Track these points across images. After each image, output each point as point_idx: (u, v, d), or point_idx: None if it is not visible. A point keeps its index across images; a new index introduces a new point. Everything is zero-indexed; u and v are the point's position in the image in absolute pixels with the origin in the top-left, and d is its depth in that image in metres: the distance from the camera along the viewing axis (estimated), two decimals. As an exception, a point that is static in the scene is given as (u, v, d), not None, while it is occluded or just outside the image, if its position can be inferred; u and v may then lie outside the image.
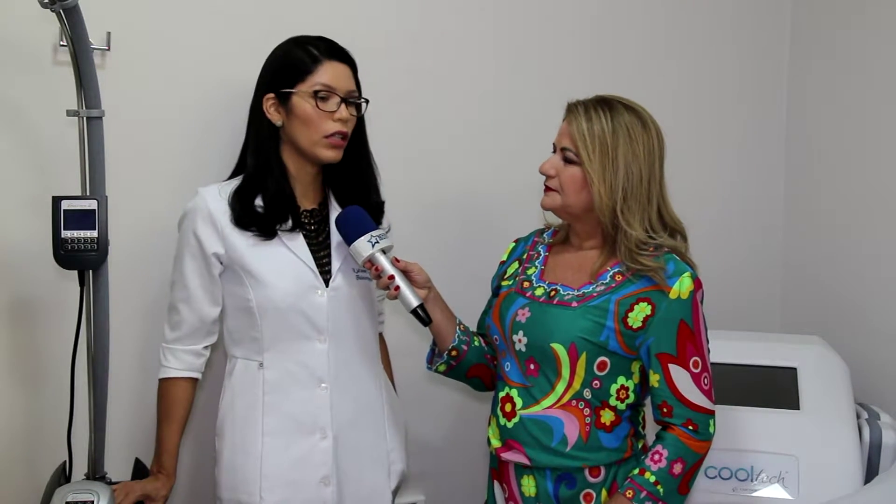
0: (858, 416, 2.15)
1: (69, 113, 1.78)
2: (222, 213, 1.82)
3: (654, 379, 1.75)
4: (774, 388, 2.19)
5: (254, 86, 1.91)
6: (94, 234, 1.75)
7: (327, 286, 1.86)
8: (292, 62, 1.82)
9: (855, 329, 2.43)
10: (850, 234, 2.49)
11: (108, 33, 2.01)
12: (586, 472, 1.78)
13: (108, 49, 2.01)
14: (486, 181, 2.45)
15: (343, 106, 1.82)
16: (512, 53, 2.45)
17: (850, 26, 2.51)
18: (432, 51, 2.36)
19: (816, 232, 2.64)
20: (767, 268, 2.78)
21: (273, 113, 1.83)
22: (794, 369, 2.21)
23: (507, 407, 1.80)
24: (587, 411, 1.76)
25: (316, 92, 1.80)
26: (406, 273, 1.82)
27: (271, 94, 1.83)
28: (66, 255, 1.74)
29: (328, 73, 1.81)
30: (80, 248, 1.74)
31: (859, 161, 2.47)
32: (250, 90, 1.96)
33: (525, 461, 1.78)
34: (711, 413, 1.76)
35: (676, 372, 1.73)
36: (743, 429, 2.01)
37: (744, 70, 2.71)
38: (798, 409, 2.14)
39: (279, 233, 1.83)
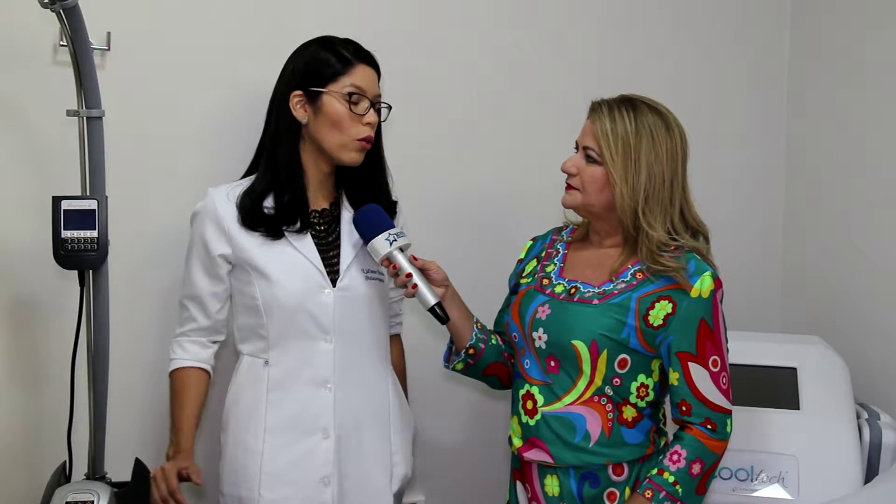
0: (858, 416, 2.15)
1: (69, 113, 1.78)
2: (230, 214, 1.83)
3: (674, 377, 1.75)
4: (774, 388, 2.19)
5: (255, 85, 1.92)
6: (94, 234, 1.75)
7: (335, 286, 1.86)
8: (324, 62, 1.82)
9: (855, 329, 2.43)
10: (850, 235, 2.49)
11: (108, 33, 2.01)
12: (609, 469, 1.78)
13: (108, 49, 2.01)
14: (498, 180, 2.45)
15: (371, 110, 1.83)
16: (516, 53, 2.45)
17: (850, 26, 2.50)
18: (438, 52, 2.36)
19: (816, 232, 2.64)
20: (767, 268, 2.78)
21: (299, 110, 1.83)
22: (794, 369, 2.21)
23: (529, 404, 1.80)
24: (609, 407, 1.76)
25: (350, 94, 1.81)
26: (424, 271, 1.82)
27: (299, 92, 1.83)
28: (66, 255, 1.74)
29: (359, 76, 1.83)
30: (80, 248, 1.74)
31: (859, 161, 2.46)
32: (250, 90, 1.97)
33: (548, 460, 1.78)
34: (729, 412, 1.77)
35: (696, 370, 1.73)
36: (743, 429, 2.01)
37: (744, 70, 2.71)
38: (798, 409, 2.14)
39: (286, 233, 1.84)
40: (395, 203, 1.98)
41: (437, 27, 2.37)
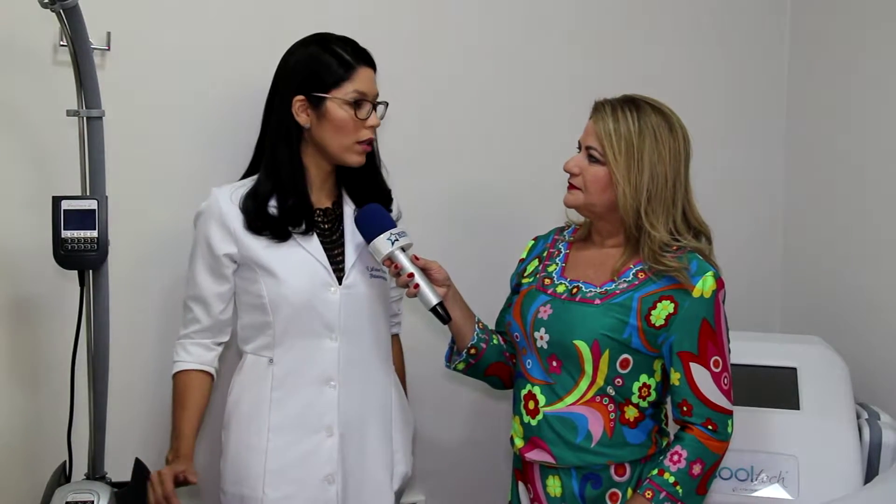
0: (858, 416, 2.15)
1: (69, 113, 1.78)
2: (234, 215, 1.83)
3: (675, 377, 1.75)
4: (774, 388, 2.19)
5: (255, 85, 1.92)
6: (94, 234, 1.75)
7: (340, 284, 1.86)
8: (325, 67, 1.82)
9: (855, 329, 2.43)
10: (850, 235, 2.49)
11: (108, 33, 2.01)
12: (612, 470, 1.78)
13: (108, 49, 2.01)
14: (500, 180, 2.45)
15: (373, 113, 1.84)
16: (518, 53, 2.45)
17: (850, 26, 2.50)
18: (439, 51, 2.36)
19: (816, 232, 2.64)
20: (767, 268, 2.78)
21: (301, 115, 1.83)
22: (794, 369, 2.20)
23: (531, 404, 1.80)
24: (611, 407, 1.76)
25: (355, 101, 1.81)
26: (425, 271, 1.82)
27: (301, 97, 1.82)
28: (66, 255, 1.74)
29: (361, 80, 1.83)
30: (80, 248, 1.74)
31: (859, 161, 2.46)
32: (250, 90, 1.96)
33: (550, 460, 1.78)
34: (730, 413, 1.77)
35: (697, 371, 1.73)
36: (743, 429, 2.01)
37: (744, 70, 2.71)
38: (798, 409, 2.14)
39: (293, 234, 1.84)
40: (389, 191, 1.99)
41: (438, 27, 2.37)
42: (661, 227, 1.74)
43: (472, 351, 1.89)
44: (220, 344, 1.92)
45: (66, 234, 1.74)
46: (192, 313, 1.88)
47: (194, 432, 1.86)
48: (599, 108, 1.79)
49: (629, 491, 1.78)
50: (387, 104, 1.89)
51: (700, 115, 2.45)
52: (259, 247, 1.83)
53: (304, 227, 1.85)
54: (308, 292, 1.83)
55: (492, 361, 1.92)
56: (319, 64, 1.82)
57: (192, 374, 1.88)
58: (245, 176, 1.92)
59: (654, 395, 1.79)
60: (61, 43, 1.90)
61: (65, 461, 1.92)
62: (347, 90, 1.81)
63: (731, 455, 1.92)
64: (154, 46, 2.08)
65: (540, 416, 1.79)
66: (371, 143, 1.87)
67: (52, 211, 1.74)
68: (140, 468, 1.92)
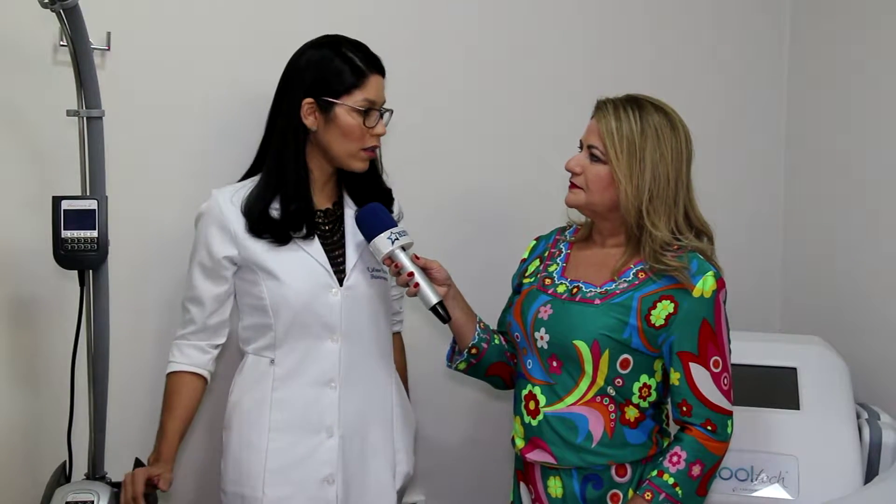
0: (858, 416, 2.15)
1: (69, 113, 1.78)
2: (235, 217, 1.83)
3: (675, 377, 1.75)
4: (774, 388, 2.19)
5: (255, 86, 1.92)
6: (94, 234, 1.75)
7: (341, 285, 1.86)
8: (337, 72, 1.81)
9: (855, 329, 2.43)
10: (849, 235, 2.49)
11: (108, 33, 2.01)
12: (613, 471, 1.78)
13: (108, 49, 2.01)
14: (500, 180, 2.46)
15: (380, 121, 1.84)
16: (518, 53, 2.45)
17: (850, 26, 2.50)
18: (441, 51, 2.37)
19: (816, 232, 2.64)
20: (767, 268, 2.78)
21: (309, 118, 1.82)
22: (794, 369, 2.20)
23: (531, 405, 1.80)
24: (612, 407, 1.76)
25: (365, 110, 1.81)
26: (426, 270, 1.82)
27: (311, 100, 1.82)
28: (66, 254, 1.74)
29: (372, 88, 1.82)
30: (80, 248, 1.75)
31: (859, 161, 2.46)
32: (251, 90, 1.96)
33: (551, 461, 1.78)
34: (730, 414, 1.77)
35: (697, 371, 1.73)
36: (743, 429, 2.01)
37: (744, 70, 2.71)
38: (798, 409, 2.14)
39: (294, 237, 1.84)
40: (390, 190, 1.99)
41: (440, 27, 2.37)
42: (662, 226, 1.74)
43: (473, 351, 1.89)
44: (216, 346, 1.91)
45: (66, 234, 1.74)
46: (189, 314, 1.88)
47: (178, 435, 1.85)
48: (602, 106, 1.79)
49: (630, 492, 1.78)
50: (391, 111, 1.89)
51: (700, 115, 2.46)
52: (260, 249, 1.83)
53: (304, 231, 1.85)
54: (309, 294, 1.83)
55: (493, 361, 1.91)
56: (331, 68, 1.81)
57: (184, 377, 1.87)
58: (246, 175, 1.91)
59: (654, 396, 1.79)
60: (61, 43, 1.90)
61: (65, 461, 1.92)
62: (358, 98, 1.81)
63: (731, 455, 1.92)
64: (154, 46, 2.08)
65: (540, 417, 1.79)
66: (375, 149, 1.87)
67: (52, 211, 1.74)
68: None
